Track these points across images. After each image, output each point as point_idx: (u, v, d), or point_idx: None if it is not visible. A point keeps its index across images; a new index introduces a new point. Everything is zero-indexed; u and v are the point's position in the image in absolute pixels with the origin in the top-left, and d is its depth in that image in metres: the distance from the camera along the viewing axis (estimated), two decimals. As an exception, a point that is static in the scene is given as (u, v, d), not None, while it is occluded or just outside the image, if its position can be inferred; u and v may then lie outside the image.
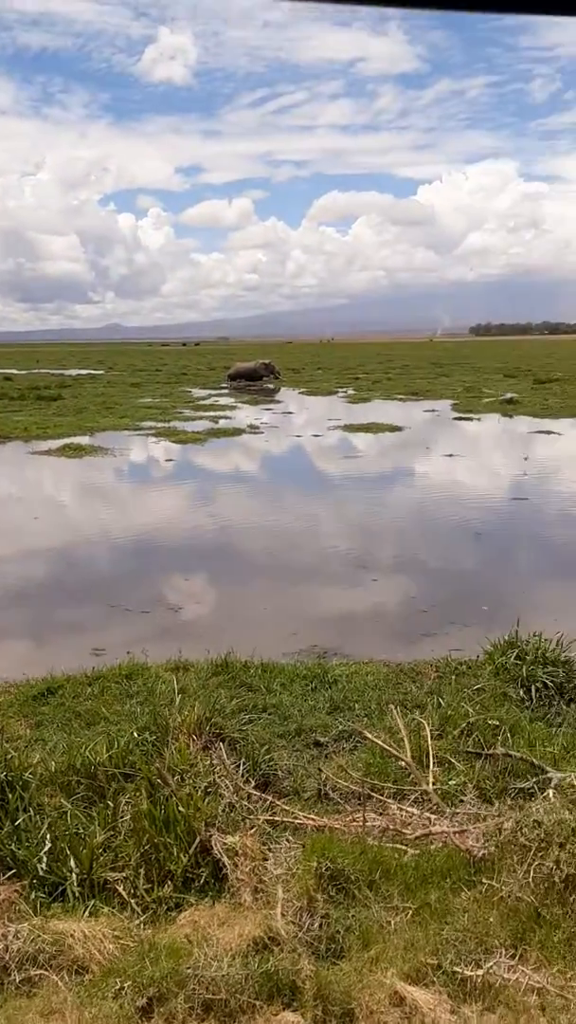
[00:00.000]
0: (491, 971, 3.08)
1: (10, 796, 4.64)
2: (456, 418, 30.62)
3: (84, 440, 23.63)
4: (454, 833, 4.14)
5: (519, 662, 7.10)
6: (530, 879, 3.50)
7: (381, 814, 4.73)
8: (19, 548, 12.49)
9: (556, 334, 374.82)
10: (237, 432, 26.42)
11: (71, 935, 3.53)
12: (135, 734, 5.55)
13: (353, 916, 3.56)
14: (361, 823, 4.39)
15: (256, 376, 50.08)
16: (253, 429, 27.20)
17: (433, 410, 33.65)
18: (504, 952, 3.19)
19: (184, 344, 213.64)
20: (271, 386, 48.89)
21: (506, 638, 7.48)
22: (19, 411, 32.00)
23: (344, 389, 45.70)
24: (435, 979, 3.10)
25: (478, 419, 30.07)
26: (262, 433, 26.43)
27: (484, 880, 3.67)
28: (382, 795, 4.94)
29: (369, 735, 5.04)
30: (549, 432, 25.61)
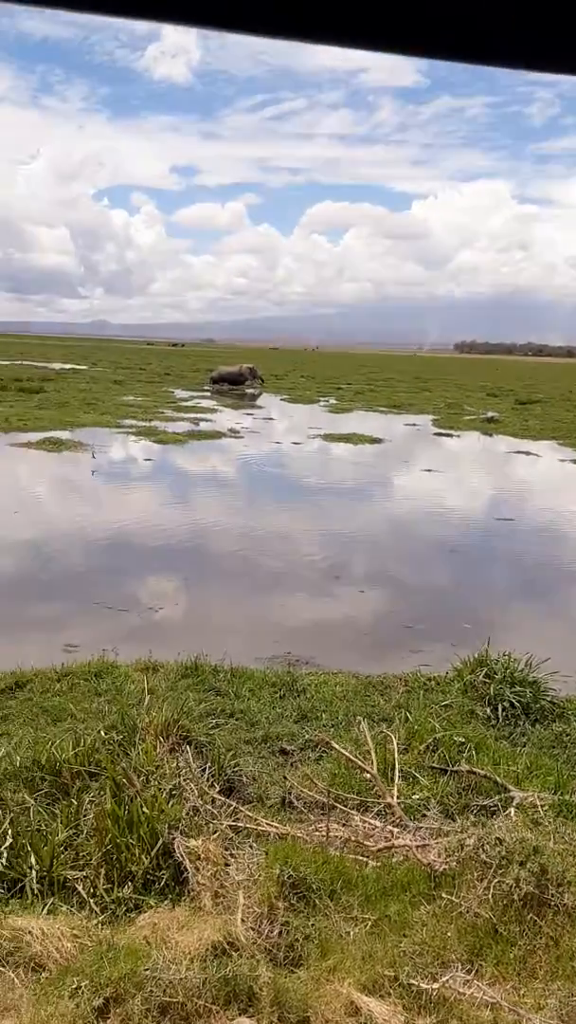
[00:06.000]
0: (447, 985, 3.10)
1: (-27, 790, 4.62)
2: (436, 433, 30.79)
3: (64, 435, 23.47)
4: (416, 847, 4.17)
5: (488, 680, 7.15)
6: (489, 896, 3.53)
7: (344, 825, 4.75)
8: (-3, 541, 12.41)
9: (540, 356, 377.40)
10: (217, 435, 26.40)
11: (29, 932, 3.52)
12: (102, 733, 5.55)
13: (313, 925, 3.57)
14: (325, 833, 4.40)
15: (239, 380, 50.01)
16: (233, 433, 27.19)
17: (414, 424, 33.82)
18: (460, 967, 3.22)
19: (174, 344, 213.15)
20: (254, 391, 48.87)
21: (476, 656, 7.54)
22: (0, 402, 31.81)
23: (326, 398, 45.79)
24: (391, 991, 3.13)
25: (458, 436, 30.25)
26: (242, 438, 26.43)
27: (444, 895, 3.70)
28: (346, 806, 4.96)
29: (336, 746, 5.07)
30: (528, 453, 25.80)
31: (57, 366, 65.38)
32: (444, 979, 3.12)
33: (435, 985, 3.08)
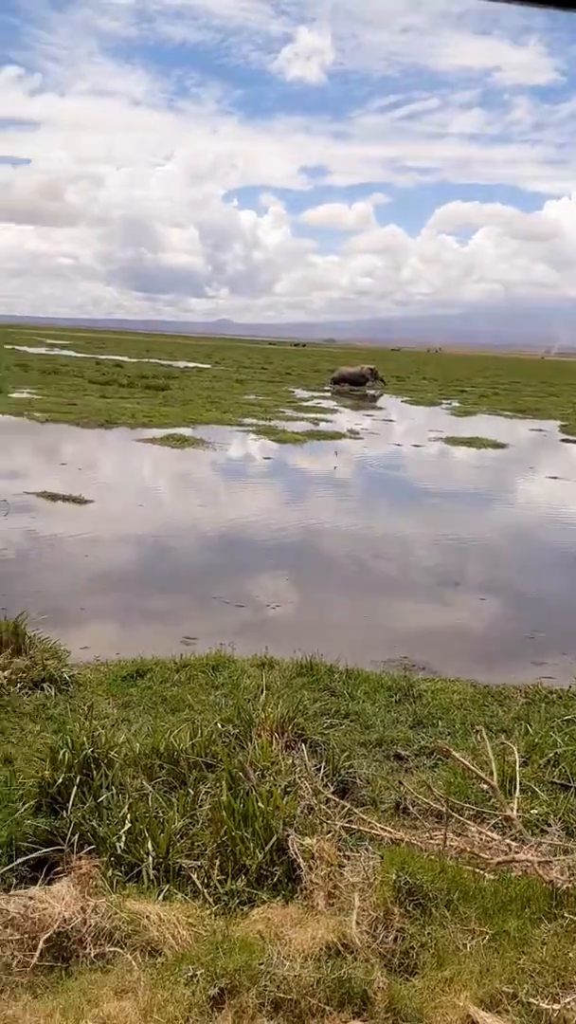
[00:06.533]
0: (568, 1007, 3.00)
1: (95, 773, 4.75)
2: (564, 440, 29.95)
3: (187, 432, 23.97)
4: (538, 863, 4.04)
5: (613, 696, 6.90)
6: (616, 919, 3.40)
7: (459, 835, 4.66)
8: (124, 534, 12.75)
9: None
10: (337, 436, 26.41)
11: (146, 916, 3.59)
12: (219, 725, 5.62)
13: (429, 934, 3.51)
14: (442, 841, 4.32)
15: (360, 381, 49.88)
16: (353, 434, 27.15)
17: (540, 429, 33.00)
18: (583, 990, 3.10)
19: (297, 344, 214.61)
20: (374, 392, 48.69)
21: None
22: (127, 398, 32.73)
23: (449, 401, 45.19)
24: (509, 1008, 3.04)
25: (586, 442, 29.35)
26: (361, 439, 26.36)
27: (566, 914, 3.58)
28: (462, 816, 4.86)
29: (455, 754, 4.97)
30: None
31: (182, 364, 66.80)
32: (566, 1000, 3.01)
33: (556, 1006, 2.98)
